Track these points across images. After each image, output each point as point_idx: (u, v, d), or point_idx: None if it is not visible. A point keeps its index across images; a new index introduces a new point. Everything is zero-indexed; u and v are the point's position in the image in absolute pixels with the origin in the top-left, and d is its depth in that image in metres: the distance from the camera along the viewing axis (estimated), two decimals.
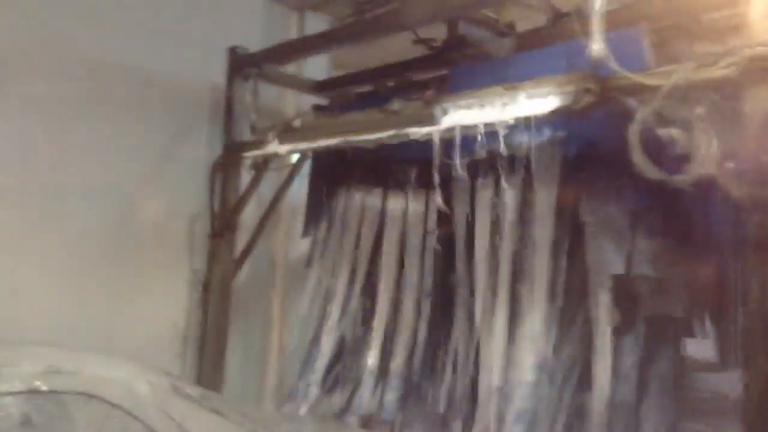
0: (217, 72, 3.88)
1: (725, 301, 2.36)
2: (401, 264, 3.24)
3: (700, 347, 2.59)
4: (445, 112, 2.44)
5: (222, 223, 3.68)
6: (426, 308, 3.12)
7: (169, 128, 3.93)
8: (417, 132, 2.49)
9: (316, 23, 4.32)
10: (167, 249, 3.91)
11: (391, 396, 3.16)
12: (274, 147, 3.14)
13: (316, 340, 3.52)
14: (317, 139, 2.91)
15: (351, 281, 3.48)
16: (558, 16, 2.97)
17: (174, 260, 3.93)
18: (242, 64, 3.65)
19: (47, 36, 3.47)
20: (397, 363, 3.18)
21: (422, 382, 3.12)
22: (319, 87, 3.96)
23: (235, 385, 4.21)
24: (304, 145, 2.99)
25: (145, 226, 3.82)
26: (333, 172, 3.62)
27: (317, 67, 4.31)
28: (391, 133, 2.57)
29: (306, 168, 3.89)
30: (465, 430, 2.86)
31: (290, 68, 4.16)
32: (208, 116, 4.03)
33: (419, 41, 3.50)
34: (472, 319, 2.83)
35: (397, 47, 3.78)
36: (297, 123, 2.94)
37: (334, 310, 3.52)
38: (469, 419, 2.85)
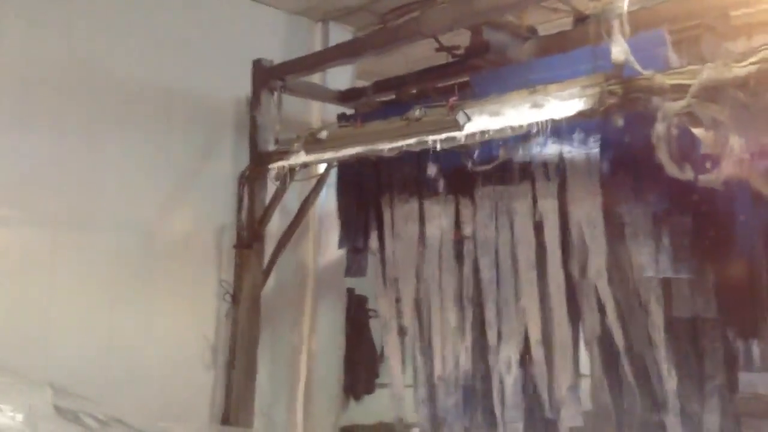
0: (241, 85, 3.94)
1: (758, 300, 2.32)
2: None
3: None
4: (468, 118, 2.44)
5: (249, 234, 3.72)
6: (469, 314, 3.10)
7: (195, 142, 4.00)
8: (440, 138, 2.49)
9: (340, 34, 4.38)
10: (196, 261, 3.97)
11: (452, 401, 3.15)
12: (299, 157, 3.17)
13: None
14: (341, 148, 2.93)
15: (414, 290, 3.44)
16: (581, 19, 2.97)
17: (203, 272, 3.99)
18: (267, 76, 3.70)
19: (77, 55, 3.56)
20: (450, 370, 3.17)
21: (479, 387, 3.11)
22: (343, 97, 3.99)
23: (265, 393, 4.25)
24: (329, 155, 3.01)
25: (173, 239, 3.89)
26: (363, 182, 3.63)
27: (341, 77, 4.35)
28: (414, 140, 2.58)
29: (332, 178, 3.95)
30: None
31: (314, 79, 4.22)
32: (234, 129, 4.09)
33: (442, 49, 3.51)
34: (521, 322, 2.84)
35: (421, 55, 3.81)
36: (323, 134, 2.96)
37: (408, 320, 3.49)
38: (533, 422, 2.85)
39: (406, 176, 3.21)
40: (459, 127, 2.43)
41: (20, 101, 3.38)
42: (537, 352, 2.76)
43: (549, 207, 2.69)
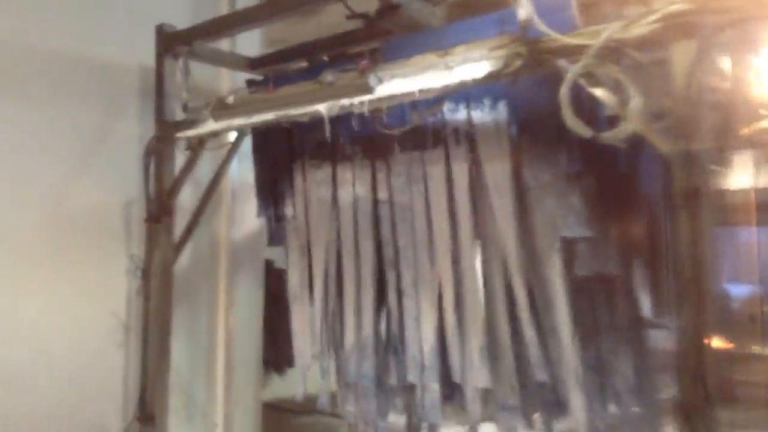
0: (148, 52, 3.75)
1: (657, 256, 2.42)
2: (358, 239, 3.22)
3: None
4: (380, 81, 2.41)
5: (158, 207, 3.58)
6: (392, 278, 3.09)
7: (98, 112, 3.80)
8: (351, 102, 2.45)
9: (248, 1, 4.24)
10: (103, 237, 3.81)
11: (368, 365, 3.15)
12: (208, 125, 3.06)
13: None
14: (252, 114, 2.84)
15: (321, 258, 3.41)
16: None
17: (111, 248, 3.84)
18: (170, 42, 3.54)
19: None
20: (367, 335, 3.16)
21: (395, 353, 3.12)
22: (253, 64, 3.87)
23: (183, 371, 4.16)
24: (239, 122, 2.92)
25: (78, 214, 3.71)
26: (278, 149, 3.56)
27: (251, 44, 4.23)
28: (326, 105, 2.53)
29: (246, 147, 3.85)
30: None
31: (224, 46, 4.08)
32: (140, 98, 3.91)
33: (353, 16, 3.45)
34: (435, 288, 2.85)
35: (332, 23, 3.73)
36: (230, 99, 2.86)
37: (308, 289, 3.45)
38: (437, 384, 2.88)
39: (319, 142, 3.16)
40: (370, 90, 2.39)
41: None
42: (450, 317, 2.79)
43: (459, 172, 2.72)
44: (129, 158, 3.81)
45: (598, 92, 2.07)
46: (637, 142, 2.20)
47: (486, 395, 2.76)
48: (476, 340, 2.71)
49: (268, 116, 2.74)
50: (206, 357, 4.31)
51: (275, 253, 4.38)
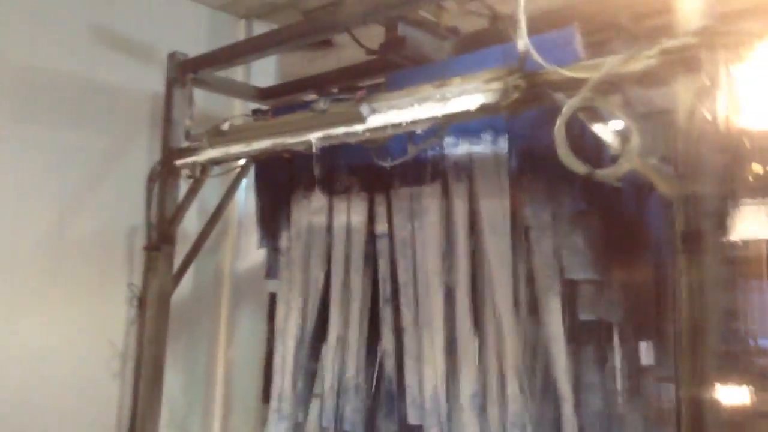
0: (158, 81, 3.77)
1: (663, 302, 2.27)
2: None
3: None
4: (372, 111, 2.34)
5: (159, 235, 3.53)
6: (388, 316, 2.98)
7: (107, 139, 3.81)
8: (347, 131, 2.38)
9: (264, 31, 4.24)
10: (105, 264, 3.77)
11: (350, 409, 3.02)
12: (206, 153, 3.02)
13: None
14: (248, 142, 2.79)
15: (309, 292, 3.32)
16: (497, 19, 2.92)
17: (112, 275, 3.79)
18: (180, 70, 3.54)
19: None
20: (352, 375, 3.04)
21: (386, 394, 2.99)
22: (263, 94, 3.86)
23: (178, 403, 4.06)
24: (236, 150, 2.87)
25: (81, 240, 3.68)
26: (278, 180, 3.51)
27: (266, 76, 4.23)
28: (318, 133, 2.46)
29: (251, 176, 3.80)
30: None
31: (239, 77, 4.09)
32: (149, 126, 3.91)
33: (372, 52, 3.42)
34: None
35: (354, 57, 3.70)
36: (225, 126, 2.82)
37: (293, 325, 3.37)
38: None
39: (312, 173, 3.08)
40: (362, 120, 2.32)
41: None
42: (440, 360, 2.66)
43: (458, 209, 2.61)
44: (136, 185, 3.78)
45: (598, 128, 1.96)
46: (642, 183, 2.08)
47: None
48: (467, 387, 2.57)
49: (263, 144, 2.68)
50: (204, 391, 4.21)
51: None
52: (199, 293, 4.15)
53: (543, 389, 2.42)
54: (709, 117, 1.83)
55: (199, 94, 3.69)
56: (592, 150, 2.19)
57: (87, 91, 3.71)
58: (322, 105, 2.39)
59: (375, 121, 2.35)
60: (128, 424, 3.70)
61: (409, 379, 2.86)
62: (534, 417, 2.40)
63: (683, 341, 1.80)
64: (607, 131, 2.03)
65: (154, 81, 3.83)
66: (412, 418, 2.83)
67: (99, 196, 3.74)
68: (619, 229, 2.36)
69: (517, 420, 2.42)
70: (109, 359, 3.78)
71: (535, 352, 2.46)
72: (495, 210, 2.52)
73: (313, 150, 2.53)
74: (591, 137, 2.10)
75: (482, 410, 2.53)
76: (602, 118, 2.04)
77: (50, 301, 3.55)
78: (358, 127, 2.33)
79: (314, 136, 2.47)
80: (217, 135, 2.87)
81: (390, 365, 2.96)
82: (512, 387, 2.46)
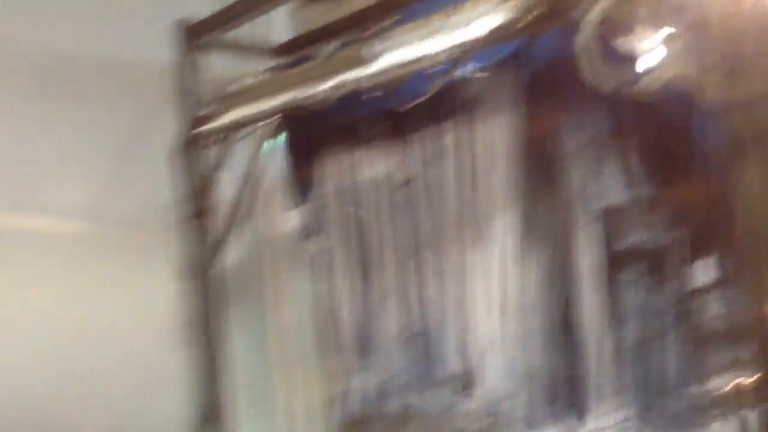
0: (171, 49, 3.66)
1: (720, 217, 2.07)
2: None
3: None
4: (379, 51, 2.17)
5: (192, 208, 3.49)
6: (429, 261, 2.88)
7: (131, 114, 3.72)
8: (357, 77, 2.23)
9: None
10: (145, 241, 3.73)
11: (405, 361, 3.00)
12: (222, 118, 2.92)
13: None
14: (260, 101, 2.67)
15: (349, 248, 3.25)
16: None
17: (154, 252, 3.75)
18: (192, 35, 3.42)
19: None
20: (403, 327, 2.99)
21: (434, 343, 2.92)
22: (280, 50, 3.70)
23: (243, 370, 4.07)
24: (249, 110, 2.76)
25: (118, 221, 3.66)
26: (305, 135, 3.40)
27: (280, 33, 4.06)
28: (331, 83, 2.32)
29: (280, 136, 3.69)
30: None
31: (256, 36, 3.93)
32: (171, 96, 3.82)
33: None
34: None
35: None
36: (236, 87, 2.71)
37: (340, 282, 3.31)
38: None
39: (339, 125, 2.96)
40: (368, 61, 2.16)
41: None
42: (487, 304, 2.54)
43: (480, 143, 2.45)
44: (165, 159, 3.73)
45: (620, 38, 1.76)
46: (681, 94, 1.87)
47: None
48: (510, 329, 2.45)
49: (276, 102, 2.56)
50: (264, 355, 4.23)
51: None
52: (244, 261, 4.12)
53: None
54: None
55: (215, 60, 3.57)
56: (617, 68, 1.97)
57: (104, 69, 3.63)
58: (328, 51, 2.23)
59: (383, 62, 2.18)
60: (194, 396, 3.74)
61: (455, 326, 2.77)
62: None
63: (747, 254, 1.63)
64: (636, 43, 1.82)
65: (167, 50, 3.71)
66: (457, 365, 2.76)
67: (128, 175, 3.69)
68: (659, 146, 2.15)
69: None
70: (166, 333, 3.79)
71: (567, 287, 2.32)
72: (513, 140, 2.35)
73: (328, 102, 2.39)
74: (615, 54, 1.90)
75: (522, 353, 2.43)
76: (629, 31, 1.82)
77: (99, 287, 3.55)
78: (366, 71, 2.17)
79: (326, 86, 2.33)
80: (229, 98, 2.76)
81: (437, 314, 2.87)
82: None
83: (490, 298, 2.56)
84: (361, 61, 2.16)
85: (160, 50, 3.70)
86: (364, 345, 3.20)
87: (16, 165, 3.34)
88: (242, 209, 3.77)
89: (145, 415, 3.65)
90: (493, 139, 2.44)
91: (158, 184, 3.71)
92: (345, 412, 3.32)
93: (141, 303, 3.70)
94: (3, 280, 3.29)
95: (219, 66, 3.61)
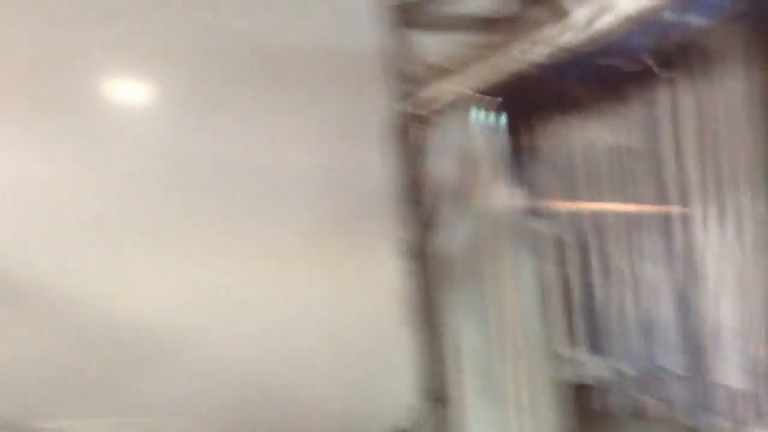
0: (379, 29, 3.67)
1: None
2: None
3: None
4: (591, 7, 1.93)
5: (409, 186, 3.50)
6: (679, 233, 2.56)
7: (343, 97, 3.79)
8: (562, 38, 2.01)
9: None
10: (376, 217, 3.80)
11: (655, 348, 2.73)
12: (431, 94, 2.85)
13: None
14: (467, 74, 2.55)
15: (579, 225, 3.05)
16: None
17: (380, 230, 3.80)
18: (399, 13, 3.41)
19: (221, 32, 3.57)
20: (651, 309, 2.72)
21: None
22: (487, 22, 3.53)
23: (476, 352, 4.02)
24: (457, 84, 2.65)
25: (351, 197, 3.79)
26: (523, 107, 3.21)
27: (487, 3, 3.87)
28: (540, 48, 2.13)
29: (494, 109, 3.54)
30: None
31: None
32: (381, 76, 3.83)
33: None
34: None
35: None
36: (442, 62, 2.61)
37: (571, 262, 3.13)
38: None
39: (554, 91, 2.74)
40: (575, 21, 1.93)
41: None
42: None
43: (714, 106, 2.08)
44: (379, 139, 3.77)
45: None
46: None
47: None
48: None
49: (483, 73, 2.42)
50: (497, 337, 4.13)
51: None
52: (464, 240, 4.05)
53: None
54: None
55: (423, 37, 3.51)
56: None
57: (317, 57, 3.74)
58: (513, 8, 2.03)
59: (596, 18, 1.94)
60: (423, 373, 3.78)
61: (691, 314, 2.44)
62: None
63: None
64: None
65: (377, 31, 3.74)
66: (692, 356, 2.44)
67: (347, 156, 3.79)
68: None
69: None
70: (395, 312, 3.86)
71: None
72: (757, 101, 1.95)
73: (541, 68, 2.20)
74: None
75: None
76: None
77: (329, 260, 3.72)
78: (577, 30, 1.94)
79: (536, 51, 2.14)
80: (438, 73, 2.68)
81: (672, 298, 2.55)
82: None
83: (727, 283, 2.20)
84: (570, 21, 1.93)
85: (368, 32, 3.73)
86: (596, 331, 2.97)
87: (239, 155, 3.60)
88: (458, 187, 3.71)
89: (373, 396, 3.77)
90: (729, 101, 2.06)
91: (373, 165, 3.76)
92: (577, 402, 3.10)
93: (363, 284, 3.81)
94: (254, 268, 3.60)
95: (427, 43, 3.58)
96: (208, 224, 3.51)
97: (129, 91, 3.54)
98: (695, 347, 2.42)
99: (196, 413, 3.42)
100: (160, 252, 3.42)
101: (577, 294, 3.08)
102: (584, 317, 3.08)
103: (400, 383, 3.81)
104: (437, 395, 3.66)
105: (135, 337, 3.38)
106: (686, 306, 2.44)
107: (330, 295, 3.71)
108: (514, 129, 3.28)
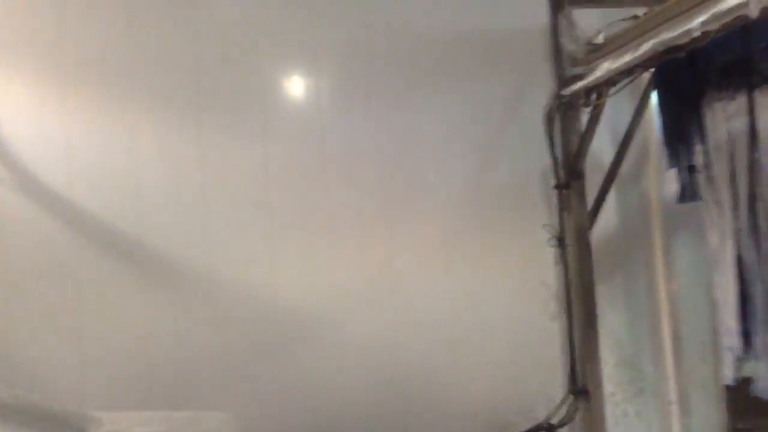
0: (542, 10, 3.59)
1: None
2: None
3: None
4: None
5: (567, 172, 3.38)
6: None
7: (506, 82, 3.78)
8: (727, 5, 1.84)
9: None
10: (520, 207, 3.76)
11: None
12: (591, 75, 2.73)
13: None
14: (625, 50, 2.41)
15: (742, 213, 2.80)
16: None
17: (532, 217, 3.73)
18: None
19: (383, 22, 3.68)
20: None
21: None
22: None
23: (626, 343, 3.85)
24: (615, 62, 2.51)
25: (497, 188, 3.76)
26: (681, 84, 2.98)
27: None
28: (703, 17, 1.96)
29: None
30: None
31: None
32: (544, 58, 3.73)
33: None
34: None
35: None
36: (600, 38, 2.49)
37: (729, 253, 2.88)
38: None
39: (726, 66, 2.50)
40: None
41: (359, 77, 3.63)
42: None
43: None
44: (540, 124, 3.68)
45: None
46: None
47: None
48: None
49: (642, 49, 2.28)
50: (650, 328, 3.90)
51: None
52: (626, 225, 3.86)
53: None
54: None
55: (588, 15, 3.38)
56: None
57: (478, 42, 3.75)
58: None
59: None
60: (569, 365, 3.66)
61: None
62: None
63: None
64: None
65: (541, 13, 3.66)
66: None
67: (508, 141, 3.76)
68: None
69: None
70: (545, 300, 3.78)
71: None
72: None
73: (705, 40, 2.02)
74: None
75: None
76: None
77: (479, 248, 3.71)
78: None
79: (697, 22, 1.98)
80: (599, 51, 2.56)
81: None
82: None
83: None
84: None
85: (530, 14, 3.66)
86: (759, 327, 2.69)
87: (403, 143, 3.67)
88: (624, 170, 3.53)
89: (521, 383, 3.69)
90: None
91: (534, 149, 3.67)
92: (741, 396, 2.84)
93: (519, 270, 3.74)
94: (405, 252, 3.65)
95: (592, 22, 3.42)
96: (361, 215, 3.63)
97: (296, 85, 3.74)
98: None
99: (343, 393, 3.55)
100: (315, 241, 3.58)
101: (743, 284, 2.80)
102: (758, 307, 2.79)
103: (547, 375, 3.71)
104: (583, 388, 3.52)
105: (294, 321, 3.55)
106: None
107: (481, 287, 3.70)
108: (678, 108, 3.05)
